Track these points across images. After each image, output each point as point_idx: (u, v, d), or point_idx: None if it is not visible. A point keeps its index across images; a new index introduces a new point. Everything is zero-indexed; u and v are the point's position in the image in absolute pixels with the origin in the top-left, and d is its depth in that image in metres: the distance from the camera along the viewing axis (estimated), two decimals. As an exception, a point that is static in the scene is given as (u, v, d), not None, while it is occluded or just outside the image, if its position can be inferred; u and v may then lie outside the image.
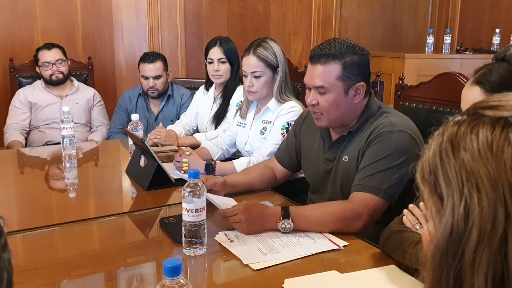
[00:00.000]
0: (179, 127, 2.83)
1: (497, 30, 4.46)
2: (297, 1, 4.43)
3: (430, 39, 4.55)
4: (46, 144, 3.14)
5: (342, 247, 1.38)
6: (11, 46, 3.74)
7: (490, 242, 0.52)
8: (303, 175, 2.00)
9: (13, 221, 1.61)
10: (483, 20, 4.82)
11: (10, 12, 3.72)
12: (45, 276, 1.26)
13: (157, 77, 3.03)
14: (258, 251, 1.35)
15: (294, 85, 2.47)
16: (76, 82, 3.37)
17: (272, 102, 2.22)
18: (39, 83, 3.29)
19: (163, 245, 1.47)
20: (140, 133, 2.36)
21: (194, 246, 1.32)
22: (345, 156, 1.66)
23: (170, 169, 2.02)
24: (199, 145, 2.48)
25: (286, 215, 1.46)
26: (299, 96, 2.48)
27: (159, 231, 1.55)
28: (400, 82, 2.15)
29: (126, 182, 2.08)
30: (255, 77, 2.18)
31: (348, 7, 4.51)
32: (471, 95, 1.24)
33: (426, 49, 4.57)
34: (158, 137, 2.55)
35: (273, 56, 2.17)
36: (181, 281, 0.92)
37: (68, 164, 2.34)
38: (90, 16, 3.99)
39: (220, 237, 1.44)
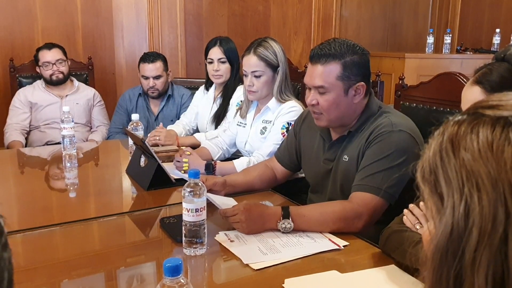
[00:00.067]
0: (179, 127, 2.84)
1: (497, 30, 4.46)
2: (297, 1, 4.42)
3: (430, 39, 4.55)
4: (46, 144, 3.14)
5: (342, 247, 1.38)
6: (11, 46, 3.74)
7: (490, 241, 0.52)
8: (303, 175, 2.00)
9: (13, 221, 1.61)
10: (483, 20, 4.82)
11: (10, 12, 3.72)
12: (45, 276, 1.26)
13: (157, 77, 3.03)
14: (258, 251, 1.35)
15: (294, 85, 2.47)
16: (76, 82, 3.37)
17: (272, 102, 2.22)
18: (39, 83, 3.30)
19: (163, 245, 1.47)
20: (140, 133, 2.36)
21: (194, 246, 1.32)
22: (345, 156, 1.66)
23: (170, 169, 2.02)
24: (199, 145, 2.48)
25: (286, 215, 1.46)
26: (299, 96, 2.48)
27: (159, 231, 1.55)
28: (400, 82, 2.15)
29: (126, 182, 2.08)
30: (256, 76, 2.18)
31: (348, 7, 4.51)
32: (471, 95, 1.24)
33: (426, 49, 4.57)
34: (158, 138, 2.55)
35: (274, 55, 2.17)
36: (181, 280, 0.92)
37: (68, 164, 2.34)
38: (90, 16, 3.99)
39: (220, 237, 1.44)
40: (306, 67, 1.71)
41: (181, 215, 1.34)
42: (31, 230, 1.53)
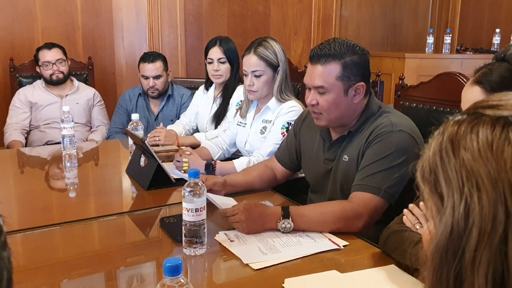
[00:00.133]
0: (179, 127, 2.84)
1: (497, 30, 4.46)
2: (297, 1, 4.43)
3: (430, 39, 4.55)
4: (46, 143, 3.14)
5: (342, 247, 1.38)
6: (11, 46, 3.74)
7: (490, 241, 0.52)
8: (303, 175, 2.00)
9: (13, 220, 1.61)
10: (483, 20, 4.82)
11: (10, 12, 3.72)
12: (45, 276, 1.26)
13: (157, 77, 3.03)
14: (258, 251, 1.35)
15: (294, 85, 2.47)
16: (76, 82, 3.37)
17: (272, 102, 2.22)
18: (39, 83, 3.30)
19: (163, 245, 1.47)
20: (140, 133, 2.36)
21: (194, 246, 1.32)
22: (345, 156, 1.66)
23: (170, 168, 2.02)
24: (199, 145, 2.48)
25: (286, 214, 1.46)
26: (299, 96, 2.48)
27: (159, 230, 1.55)
28: (400, 82, 2.15)
29: (126, 181, 2.08)
30: (256, 76, 2.18)
31: (348, 7, 4.51)
32: (471, 95, 1.24)
33: (426, 49, 4.57)
34: (158, 138, 2.55)
35: (274, 55, 2.17)
36: (181, 280, 0.92)
37: (68, 164, 2.34)
38: (90, 16, 3.99)
39: (220, 236, 1.44)
40: (306, 67, 1.71)
41: (181, 215, 1.34)
42: (31, 230, 1.52)
